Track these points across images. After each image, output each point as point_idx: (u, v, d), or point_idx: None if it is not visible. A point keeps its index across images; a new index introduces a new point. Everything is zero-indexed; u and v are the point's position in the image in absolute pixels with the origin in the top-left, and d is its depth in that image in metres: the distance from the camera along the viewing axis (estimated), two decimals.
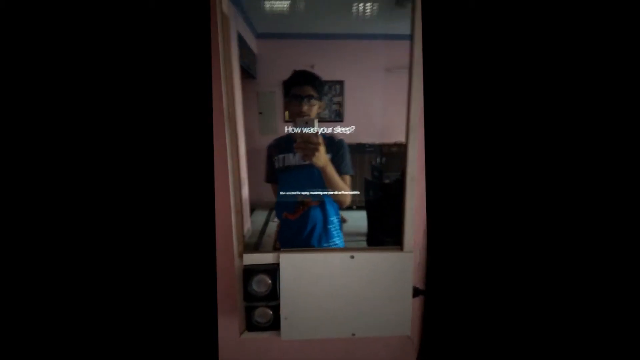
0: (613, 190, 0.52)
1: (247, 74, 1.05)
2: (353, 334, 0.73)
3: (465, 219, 0.62)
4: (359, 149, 0.97)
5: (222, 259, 0.83)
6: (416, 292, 0.74)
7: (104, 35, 0.52)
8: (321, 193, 0.86)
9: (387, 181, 1.02)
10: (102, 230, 0.53)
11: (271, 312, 0.71)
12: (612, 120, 0.51)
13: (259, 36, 1.07)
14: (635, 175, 0.51)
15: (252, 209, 1.16)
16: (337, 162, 0.88)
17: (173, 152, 0.57)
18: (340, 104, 1.10)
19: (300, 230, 0.93)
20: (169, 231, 0.57)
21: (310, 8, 1.00)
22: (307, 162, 0.83)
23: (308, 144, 0.82)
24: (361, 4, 0.91)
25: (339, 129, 0.83)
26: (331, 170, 0.85)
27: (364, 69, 1.04)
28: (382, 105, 1.02)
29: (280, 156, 0.93)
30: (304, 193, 0.89)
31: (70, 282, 0.52)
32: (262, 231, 1.14)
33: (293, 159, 0.91)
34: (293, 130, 0.79)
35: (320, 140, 0.82)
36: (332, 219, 0.93)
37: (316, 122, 0.79)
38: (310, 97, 0.89)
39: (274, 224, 1.01)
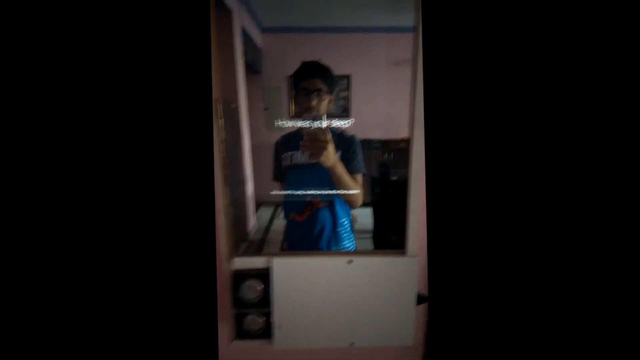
0: (618, 191, 0.50)
1: (252, 69, 1.01)
2: (352, 344, 0.66)
3: (471, 221, 0.57)
4: (365, 145, 0.89)
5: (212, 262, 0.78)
6: (420, 299, 0.67)
7: (102, 32, 0.52)
8: (330, 193, 0.78)
9: (394, 178, 0.97)
10: (101, 230, 0.53)
11: (263, 320, 0.65)
12: (615, 117, 0.49)
13: (265, 30, 1.04)
14: (635, 175, 0.49)
15: (258, 205, 1.12)
16: (347, 159, 0.80)
17: (172, 151, 0.56)
18: (347, 99, 1.05)
19: (308, 232, 0.86)
20: (167, 231, 0.55)
21: (316, 1, 0.95)
22: (316, 160, 0.74)
23: (316, 141, 0.72)
24: None
25: (333, 122, 0.75)
26: (341, 170, 0.76)
27: (371, 63, 1.01)
28: (390, 100, 0.96)
29: (288, 153, 0.85)
30: (312, 193, 0.82)
31: (66, 284, 0.52)
32: (268, 228, 1.10)
33: (301, 157, 0.84)
34: (301, 125, 0.71)
35: (329, 137, 0.72)
36: (342, 220, 0.86)
37: (325, 118, 0.71)
38: (319, 90, 0.79)
39: (279, 221, 0.96)
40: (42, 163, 0.50)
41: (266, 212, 1.11)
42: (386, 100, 0.98)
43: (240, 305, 0.64)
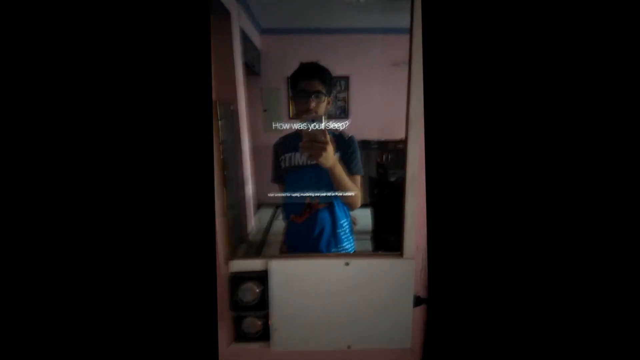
0: (617, 191, 0.50)
1: (251, 70, 1.01)
2: (349, 346, 0.66)
3: (470, 222, 0.58)
4: (364, 146, 0.89)
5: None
6: (418, 301, 0.66)
7: (104, 35, 0.52)
8: (329, 194, 0.78)
9: (392, 179, 0.96)
10: (102, 232, 0.53)
11: (260, 322, 0.65)
12: (614, 117, 0.49)
13: (263, 32, 1.04)
14: (635, 175, 0.49)
15: (258, 206, 1.12)
16: (346, 161, 0.80)
17: (172, 153, 0.56)
18: (346, 100, 1.05)
19: (307, 234, 0.85)
20: (167, 233, 0.56)
21: (315, 2, 0.95)
22: (315, 162, 0.74)
23: (314, 143, 0.72)
24: None
25: (331, 124, 0.74)
26: (340, 171, 0.76)
27: (370, 64, 1.00)
28: (389, 100, 0.95)
29: (287, 155, 0.85)
30: (311, 194, 0.81)
31: (65, 287, 0.52)
32: (267, 229, 1.10)
33: (300, 159, 0.83)
34: (300, 127, 0.71)
35: (328, 138, 0.72)
36: (341, 222, 0.86)
37: (324, 120, 0.71)
38: (318, 92, 0.79)
39: (278, 222, 0.96)
40: (42, 166, 0.50)
41: (266, 214, 1.11)
42: (385, 101, 0.97)
43: (239, 308, 0.64)
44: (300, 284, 0.64)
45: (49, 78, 0.50)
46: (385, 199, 0.96)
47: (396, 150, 0.95)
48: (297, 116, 0.80)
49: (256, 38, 1.03)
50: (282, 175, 0.87)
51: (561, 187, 0.51)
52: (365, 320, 0.66)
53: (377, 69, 0.98)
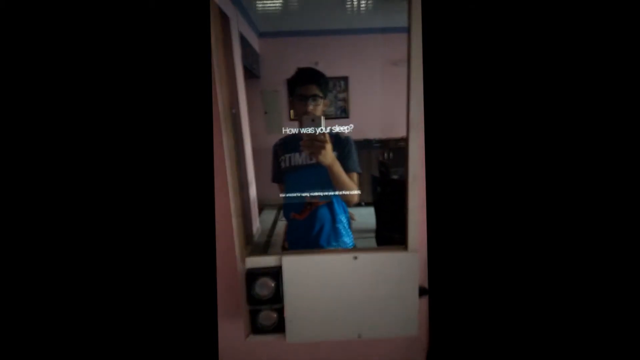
0: (614, 187, 0.52)
1: (251, 74, 1.05)
2: (359, 336, 0.72)
3: (470, 216, 0.62)
4: (365, 144, 0.96)
5: (225, 262, 0.84)
6: (422, 292, 0.73)
7: (104, 36, 0.53)
8: (328, 194, 0.85)
9: (394, 177, 1.01)
10: (102, 232, 0.55)
11: (275, 315, 0.71)
12: (614, 117, 0.51)
13: (261, 35, 1.08)
14: (635, 175, 0.51)
15: (261, 209, 1.17)
16: (343, 159, 0.87)
17: (173, 154, 0.59)
18: (346, 100, 1.10)
19: (308, 230, 0.93)
20: (169, 234, 0.59)
21: (311, 5, 1.00)
22: (314, 161, 0.83)
23: (314, 142, 0.81)
24: None
25: (344, 126, 0.82)
26: (338, 169, 0.84)
27: (368, 64, 1.04)
28: (388, 99, 0.99)
29: (287, 156, 0.93)
30: (311, 193, 0.88)
31: (69, 284, 0.54)
32: (271, 230, 1.15)
33: (299, 159, 0.91)
34: (299, 129, 0.79)
35: (327, 138, 0.81)
36: (340, 217, 0.93)
37: (322, 120, 0.79)
38: (315, 95, 0.88)
39: (282, 223, 1.01)
40: (50, 167, 0.53)
41: (270, 215, 1.15)
42: (385, 99, 1.01)
43: (255, 302, 0.71)
44: (312, 277, 0.71)
45: (49, 81, 0.52)
46: (388, 196, 1.00)
47: (397, 149, 0.99)
48: (297, 118, 0.87)
49: (255, 42, 1.07)
50: (282, 175, 0.94)
51: (559, 183, 0.55)
52: (374, 310, 0.72)
53: (376, 69, 1.01)
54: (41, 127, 0.52)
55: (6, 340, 0.52)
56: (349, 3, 0.95)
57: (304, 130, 0.80)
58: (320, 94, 0.89)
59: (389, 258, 0.70)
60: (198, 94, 0.61)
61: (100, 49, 0.54)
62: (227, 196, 0.83)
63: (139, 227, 0.57)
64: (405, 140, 0.72)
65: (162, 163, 0.58)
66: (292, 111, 0.93)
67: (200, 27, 0.61)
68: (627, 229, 0.51)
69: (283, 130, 0.86)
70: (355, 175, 0.89)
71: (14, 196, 0.51)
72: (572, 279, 0.54)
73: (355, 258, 0.70)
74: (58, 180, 0.53)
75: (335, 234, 0.92)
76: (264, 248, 1.14)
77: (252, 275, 0.70)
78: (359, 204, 0.95)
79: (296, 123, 0.86)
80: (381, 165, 1.05)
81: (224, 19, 0.91)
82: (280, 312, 0.71)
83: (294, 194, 0.90)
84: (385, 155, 1.04)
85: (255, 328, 0.72)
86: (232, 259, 0.80)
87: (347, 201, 0.90)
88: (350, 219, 0.95)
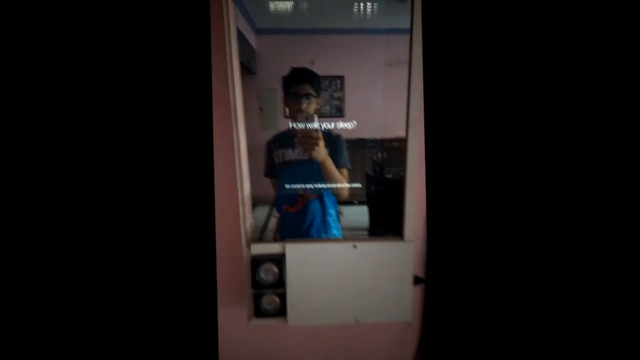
0: (611, 183, 0.54)
1: (247, 70, 1.09)
2: (356, 320, 0.79)
3: (465, 212, 0.67)
4: (360, 144, 1.02)
5: (229, 249, 0.90)
6: (417, 281, 0.81)
7: (104, 33, 0.55)
8: (322, 186, 0.92)
9: (388, 176, 1.08)
10: (102, 223, 0.57)
11: (278, 299, 0.78)
12: (613, 117, 0.53)
13: (259, 32, 1.11)
14: (635, 175, 0.52)
15: (254, 205, 1.21)
16: (335, 156, 0.95)
17: (174, 146, 0.61)
18: (341, 99, 1.15)
19: (300, 222, 1.00)
20: (171, 225, 0.61)
21: (310, 3, 1.04)
22: (307, 157, 0.90)
23: (308, 139, 0.88)
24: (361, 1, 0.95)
25: (341, 125, 0.90)
26: (330, 164, 0.92)
27: (364, 64, 1.09)
28: (383, 100, 1.06)
29: (280, 151, 1.00)
30: (304, 186, 0.96)
31: (68, 274, 0.55)
32: (264, 226, 1.20)
33: (292, 154, 0.98)
34: (295, 126, 0.86)
35: (320, 135, 0.88)
36: (330, 211, 1.01)
37: (316, 118, 0.86)
38: (308, 94, 0.95)
39: (275, 219, 1.07)
40: (52, 160, 0.53)
41: (262, 211, 1.20)
42: (380, 100, 1.06)
43: (258, 287, 0.77)
44: (313, 264, 0.78)
45: (49, 80, 0.52)
46: (382, 195, 1.06)
47: (391, 148, 1.06)
48: (292, 116, 0.95)
49: (252, 38, 1.11)
50: (275, 170, 1.01)
51: (555, 180, 0.57)
52: (370, 296, 0.79)
53: (372, 69, 1.07)
54: (40, 121, 0.53)
55: (6, 340, 0.52)
56: (348, 4, 1.00)
57: (298, 126, 0.87)
58: (314, 93, 0.96)
59: (386, 247, 0.78)
60: (197, 87, 0.65)
61: (99, 44, 0.54)
62: (228, 189, 0.90)
63: (142, 219, 0.59)
64: (399, 140, 0.80)
65: (163, 156, 0.60)
66: (287, 109, 0.99)
67: (199, 22, 0.64)
68: (620, 224, 0.54)
69: (277, 125, 0.93)
70: (345, 171, 0.98)
71: (12, 194, 0.52)
72: (563, 270, 0.57)
73: (355, 247, 0.77)
74: (57, 173, 0.54)
75: (325, 226, 1.00)
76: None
77: (257, 261, 0.77)
78: (351, 202, 1.03)
79: (291, 120, 0.93)
80: (375, 165, 1.10)
81: (222, 13, 0.96)
82: (282, 296, 0.78)
83: (287, 188, 0.97)
84: (379, 154, 1.09)
85: (258, 312, 0.78)
86: (233, 247, 0.86)
87: (337, 195, 0.98)
88: (339, 212, 1.03)
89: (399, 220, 0.78)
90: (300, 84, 0.96)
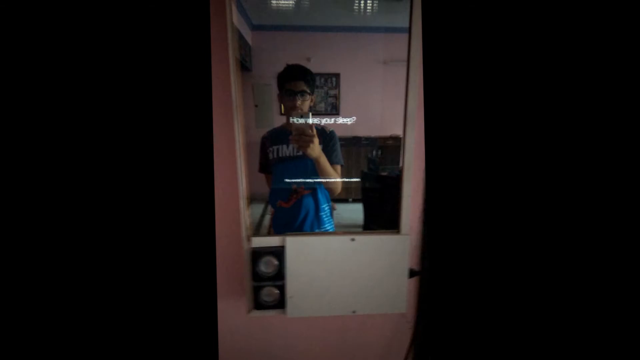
0: (610, 178, 0.54)
1: (243, 67, 1.11)
2: (353, 312, 0.84)
3: (462, 208, 0.68)
4: (355, 141, 1.06)
5: (229, 243, 0.94)
6: (412, 273, 0.85)
7: (100, 28, 0.55)
8: (316, 181, 0.97)
9: (383, 173, 1.12)
10: (103, 218, 0.57)
11: (277, 292, 0.82)
12: (613, 118, 0.54)
13: (255, 28, 1.13)
14: (635, 175, 0.52)
15: (249, 201, 1.24)
16: (328, 152, 0.99)
17: (174, 143, 0.61)
18: (336, 97, 1.18)
19: (293, 217, 1.04)
20: (171, 221, 0.62)
21: (307, 1, 1.06)
22: (301, 153, 0.94)
23: (303, 135, 0.92)
24: None
25: (340, 120, 0.94)
26: (324, 161, 0.97)
27: (359, 62, 1.12)
28: (378, 98, 1.09)
29: (274, 147, 1.03)
30: (298, 181, 1.00)
31: (66, 267, 0.55)
32: (260, 222, 1.23)
33: (287, 150, 1.01)
34: (291, 120, 0.90)
35: (314, 132, 0.92)
36: (323, 206, 1.05)
37: (310, 116, 0.90)
38: (303, 92, 0.98)
39: (269, 216, 1.10)
40: (51, 157, 0.53)
41: (257, 208, 1.23)
42: (375, 98, 1.10)
43: (258, 279, 0.81)
44: (312, 257, 0.81)
45: (46, 78, 0.52)
46: (376, 192, 1.11)
47: (386, 146, 1.10)
48: (286, 113, 0.98)
49: (248, 34, 1.10)
50: (269, 166, 1.04)
51: (553, 178, 0.58)
52: (367, 288, 0.84)
53: (367, 67, 1.11)
54: (37, 115, 0.53)
55: (5, 339, 0.52)
56: (349, 2, 1.03)
57: (293, 124, 0.91)
58: (308, 90, 0.99)
59: (383, 240, 0.83)
60: (197, 84, 0.64)
61: (97, 42, 0.55)
62: (228, 185, 0.93)
63: (143, 215, 0.59)
64: (394, 138, 0.85)
65: (162, 152, 0.61)
66: (282, 106, 1.02)
67: (198, 19, 0.63)
68: (620, 222, 0.54)
69: (273, 122, 0.97)
70: (338, 167, 1.02)
71: (12, 194, 0.52)
72: (559, 265, 0.58)
73: (353, 240, 0.82)
74: (57, 171, 0.54)
75: (318, 221, 1.04)
76: None
77: (257, 254, 0.81)
78: (346, 200, 1.07)
79: (286, 117, 0.97)
80: (370, 162, 1.14)
81: (220, 10, 0.99)
82: (282, 289, 0.82)
83: (282, 183, 1.01)
84: (375, 152, 1.13)
85: (258, 304, 0.82)
86: (233, 241, 0.90)
87: (330, 190, 1.03)
88: (331, 208, 1.07)
89: (395, 214, 0.83)
90: (294, 81, 0.99)
